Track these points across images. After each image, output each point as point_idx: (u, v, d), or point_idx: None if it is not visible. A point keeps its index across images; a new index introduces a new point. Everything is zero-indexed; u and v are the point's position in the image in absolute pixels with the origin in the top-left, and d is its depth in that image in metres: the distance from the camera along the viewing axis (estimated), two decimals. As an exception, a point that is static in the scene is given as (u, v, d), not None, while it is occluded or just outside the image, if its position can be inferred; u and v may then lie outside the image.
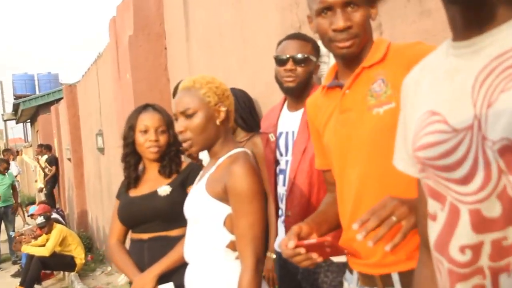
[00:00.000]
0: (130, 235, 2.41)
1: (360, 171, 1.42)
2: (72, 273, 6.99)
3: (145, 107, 2.39)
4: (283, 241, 1.35)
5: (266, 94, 3.23)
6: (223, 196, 1.62)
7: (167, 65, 4.97)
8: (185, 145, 1.71)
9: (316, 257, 1.30)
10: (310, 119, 1.64)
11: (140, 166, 2.42)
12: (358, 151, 1.42)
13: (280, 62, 2.20)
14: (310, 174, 2.12)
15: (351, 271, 1.51)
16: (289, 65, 2.16)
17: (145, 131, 2.29)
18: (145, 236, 2.29)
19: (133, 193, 2.37)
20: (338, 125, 1.46)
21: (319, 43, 2.12)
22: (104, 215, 8.08)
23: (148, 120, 2.30)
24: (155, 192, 2.28)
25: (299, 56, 2.17)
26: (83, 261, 7.07)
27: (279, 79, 2.23)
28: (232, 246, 1.63)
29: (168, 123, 2.32)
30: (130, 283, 2.26)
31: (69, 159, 10.41)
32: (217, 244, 1.65)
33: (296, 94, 2.21)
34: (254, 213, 1.59)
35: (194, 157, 2.87)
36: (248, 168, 1.60)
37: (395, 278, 1.37)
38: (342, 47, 1.40)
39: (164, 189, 2.26)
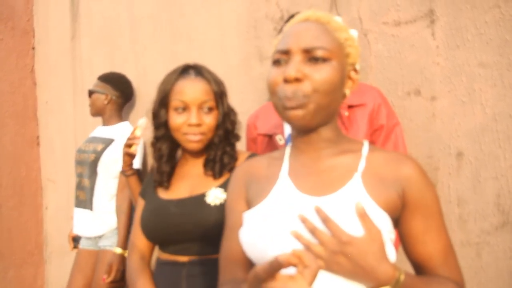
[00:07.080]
0: (158, 252, 1.65)
1: None
2: None
3: (184, 70, 1.63)
4: None
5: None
6: (395, 207, 1.03)
7: (34, 67, 4.11)
8: (293, 102, 0.99)
9: None
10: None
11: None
12: None
13: None
14: None
15: None
16: None
17: (183, 109, 1.58)
18: (184, 258, 1.56)
19: (165, 194, 1.63)
20: None
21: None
22: None
23: (187, 92, 1.57)
24: (201, 198, 1.55)
25: None
26: None
27: None
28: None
29: (218, 95, 1.61)
30: None
31: None
32: None
33: None
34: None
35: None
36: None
37: None
38: None
39: (216, 195, 1.54)
